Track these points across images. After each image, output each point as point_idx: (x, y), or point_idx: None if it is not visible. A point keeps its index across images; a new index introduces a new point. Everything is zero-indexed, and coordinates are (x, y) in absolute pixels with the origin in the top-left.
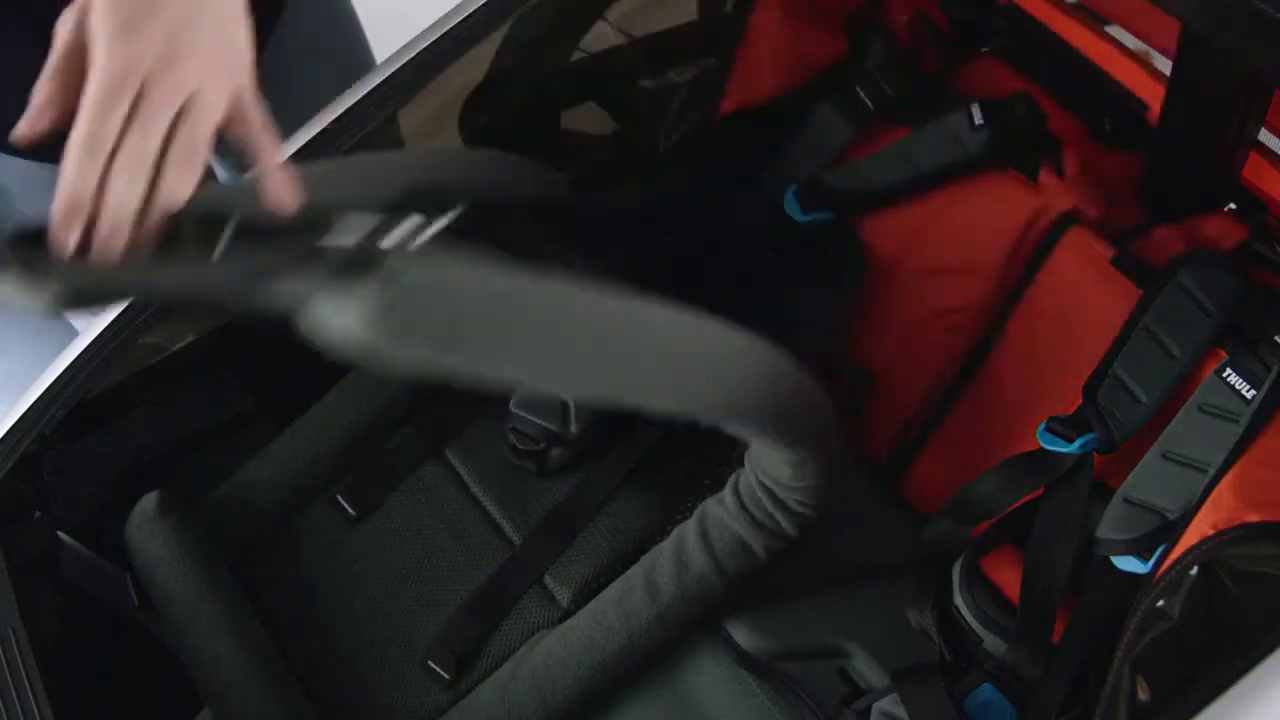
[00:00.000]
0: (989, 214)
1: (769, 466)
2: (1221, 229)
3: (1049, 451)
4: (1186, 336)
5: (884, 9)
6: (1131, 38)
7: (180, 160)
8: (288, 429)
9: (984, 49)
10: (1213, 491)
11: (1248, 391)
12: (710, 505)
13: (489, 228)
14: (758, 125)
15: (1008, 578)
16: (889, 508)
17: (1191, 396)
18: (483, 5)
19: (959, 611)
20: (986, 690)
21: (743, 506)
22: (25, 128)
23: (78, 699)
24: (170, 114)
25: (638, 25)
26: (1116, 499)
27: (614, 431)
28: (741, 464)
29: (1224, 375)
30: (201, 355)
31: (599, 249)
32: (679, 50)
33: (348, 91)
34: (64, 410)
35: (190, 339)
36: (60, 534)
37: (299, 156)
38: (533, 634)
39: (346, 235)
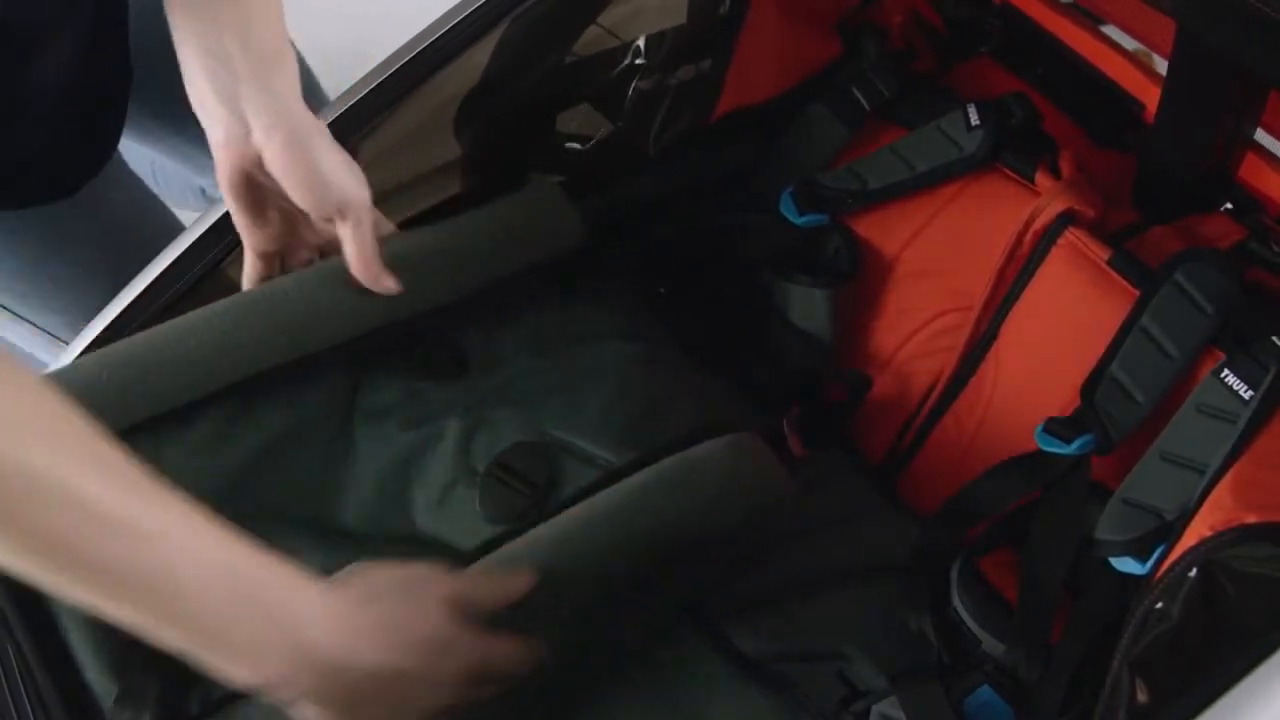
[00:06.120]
0: (985, 215)
1: None
2: (1218, 229)
3: (1047, 453)
4: (1183, 337)
5: (879, 10)
6: (1127, 37)
7: None
8: None
9: (980, 49)
10: (1211, 492)
11: (1245, 392)
12: None
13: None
14: (753, 126)
15: (1006, 579)
16: (886, 509)
17: (1189, 397)
18: (477, 8)
19: (957, 613)
20: (985, 692)
21: None
22: None
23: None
24: None
25: (631, 30)
26: (1114, 500)
27: None
28: None
29: (1221, 376)
30: None
31: (596, 250)
32: (675, 52)
33: (346, 91)
34: None
35: None
36: None
37: None
38: None
39: None
